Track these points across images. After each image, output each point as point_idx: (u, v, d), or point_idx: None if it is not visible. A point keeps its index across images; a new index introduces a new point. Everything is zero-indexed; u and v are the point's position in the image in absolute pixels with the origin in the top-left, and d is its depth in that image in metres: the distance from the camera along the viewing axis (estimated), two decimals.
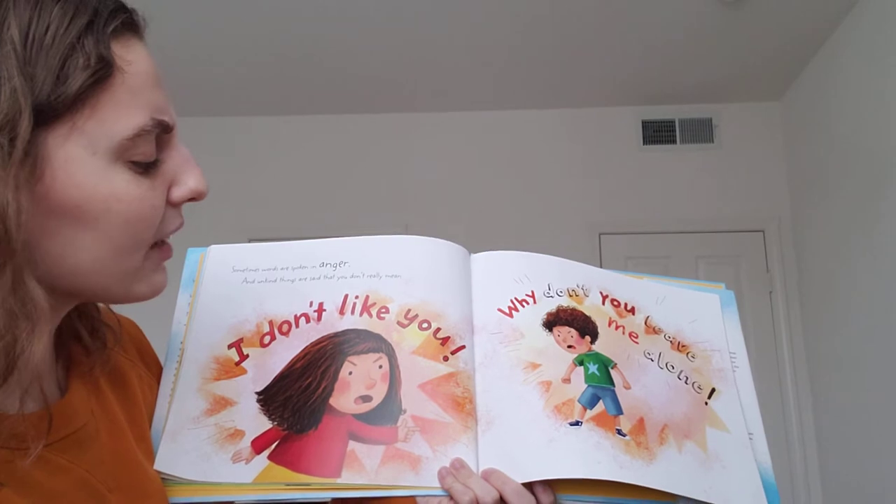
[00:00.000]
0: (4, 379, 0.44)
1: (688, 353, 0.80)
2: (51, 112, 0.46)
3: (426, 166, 3.44)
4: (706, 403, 0.76)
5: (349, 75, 3.14)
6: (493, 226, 3.30)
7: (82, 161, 0.47)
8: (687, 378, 0.77)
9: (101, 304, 0.63)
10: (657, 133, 3.41)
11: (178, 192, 0.54)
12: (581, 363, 0.74)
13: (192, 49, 2.90)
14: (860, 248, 2.62)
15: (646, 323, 0.81)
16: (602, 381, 0.73)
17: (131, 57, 0.50)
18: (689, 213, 3.33)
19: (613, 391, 0.73)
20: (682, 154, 3.39)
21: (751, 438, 0.74)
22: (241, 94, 3.30)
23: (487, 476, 0.65)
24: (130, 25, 0.51)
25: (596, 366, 0.74)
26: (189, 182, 0.54)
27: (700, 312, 0.83)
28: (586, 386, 0.72)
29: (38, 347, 0.45)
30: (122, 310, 0.67)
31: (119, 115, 0.48)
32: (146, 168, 0.51)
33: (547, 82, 3.23)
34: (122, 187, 0.49)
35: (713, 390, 0.77)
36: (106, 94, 0.48)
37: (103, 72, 0.47)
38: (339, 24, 2.76)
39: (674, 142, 3.40)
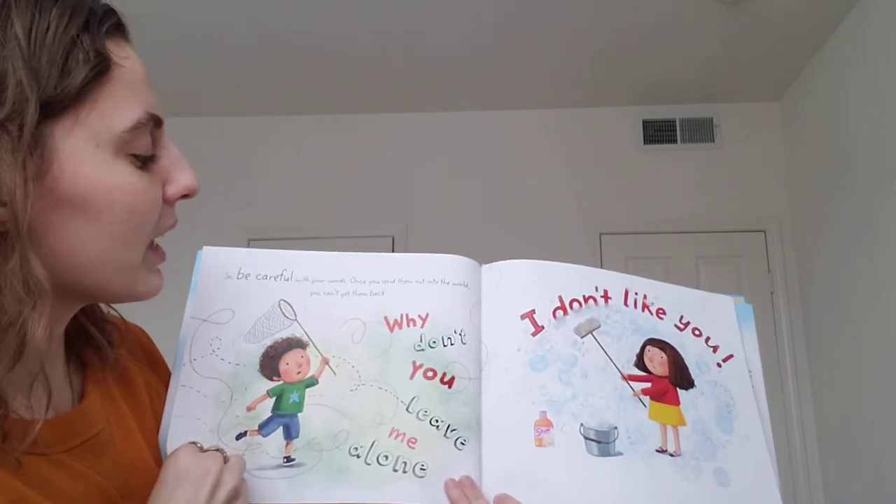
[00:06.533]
0: (16, 360, 0.46)
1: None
2: (56, 105, 0.48)
3: (426, 166, 3.43)
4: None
5: (349, 75, 3.14)
6: (493, 226, 3.30)
7: (87, 153, 0.50)
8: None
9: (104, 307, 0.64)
10: (657, 133, 3.41)
11: (172, 189, 0.57)
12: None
13: (192, 49, 2.89)
14: (861, 247, 2.62)
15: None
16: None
17: (124, 55, 0.53)
18: (690, 213, 3.32)
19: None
20: (682, 154, 3.39)
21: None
22: (241, 94, 3.30)
23: (500, 502, 0.66)
24: (119, 28, 0.54)
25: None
26: (183, 179, 0.57)
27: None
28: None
29: (41, 327, 0.47)
30: (135, 316, 0.67)
31: (117, 109, 0.51)
32: (144, 162, 0.54)
33: (547, 82, 3.23)
34: (125, 179, 0.52)
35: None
36: (105, 89, 0.51)
37: (102, 66, 0.50)
38: (338, 24, 2.76)
39: (674, 141, 3.39)
